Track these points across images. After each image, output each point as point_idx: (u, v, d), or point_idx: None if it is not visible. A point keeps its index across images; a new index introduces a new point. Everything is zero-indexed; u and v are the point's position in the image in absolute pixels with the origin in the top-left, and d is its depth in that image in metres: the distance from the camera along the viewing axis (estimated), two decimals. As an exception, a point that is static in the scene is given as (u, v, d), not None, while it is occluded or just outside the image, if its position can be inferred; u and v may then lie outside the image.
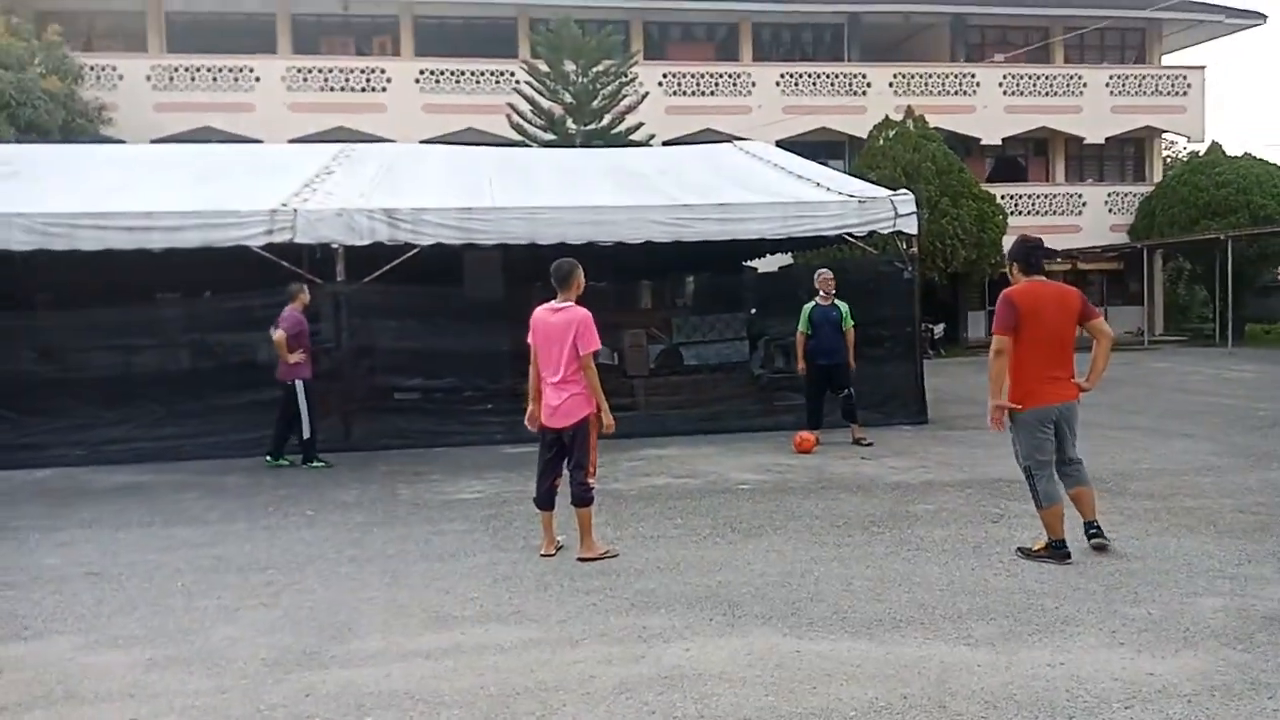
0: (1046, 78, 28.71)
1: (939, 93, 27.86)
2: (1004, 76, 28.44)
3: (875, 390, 11.46)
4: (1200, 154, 28.80)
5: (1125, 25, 30.14)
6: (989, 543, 5.98)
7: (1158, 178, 30.07)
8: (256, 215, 10.07)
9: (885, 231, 11.76)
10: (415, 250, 10.41)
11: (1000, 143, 28.78)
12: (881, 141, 24.19)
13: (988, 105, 28.11)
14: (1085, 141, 29.41)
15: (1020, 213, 27.77)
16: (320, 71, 25.68)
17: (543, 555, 5.91)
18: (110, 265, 10.05)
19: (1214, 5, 29.75)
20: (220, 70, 25.20)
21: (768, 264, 16.82)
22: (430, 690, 3.93)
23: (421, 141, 21.99)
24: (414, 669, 4.16)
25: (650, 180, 12.89)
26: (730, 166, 14.06)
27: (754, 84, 27.31)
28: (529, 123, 23.08)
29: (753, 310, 13.45)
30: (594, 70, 23.01)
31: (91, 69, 24.07)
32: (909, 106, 25.01)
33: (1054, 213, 28.71)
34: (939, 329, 23.70)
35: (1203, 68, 29.87)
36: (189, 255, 10.12)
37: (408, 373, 11.20)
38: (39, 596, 5.36)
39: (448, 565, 5.82)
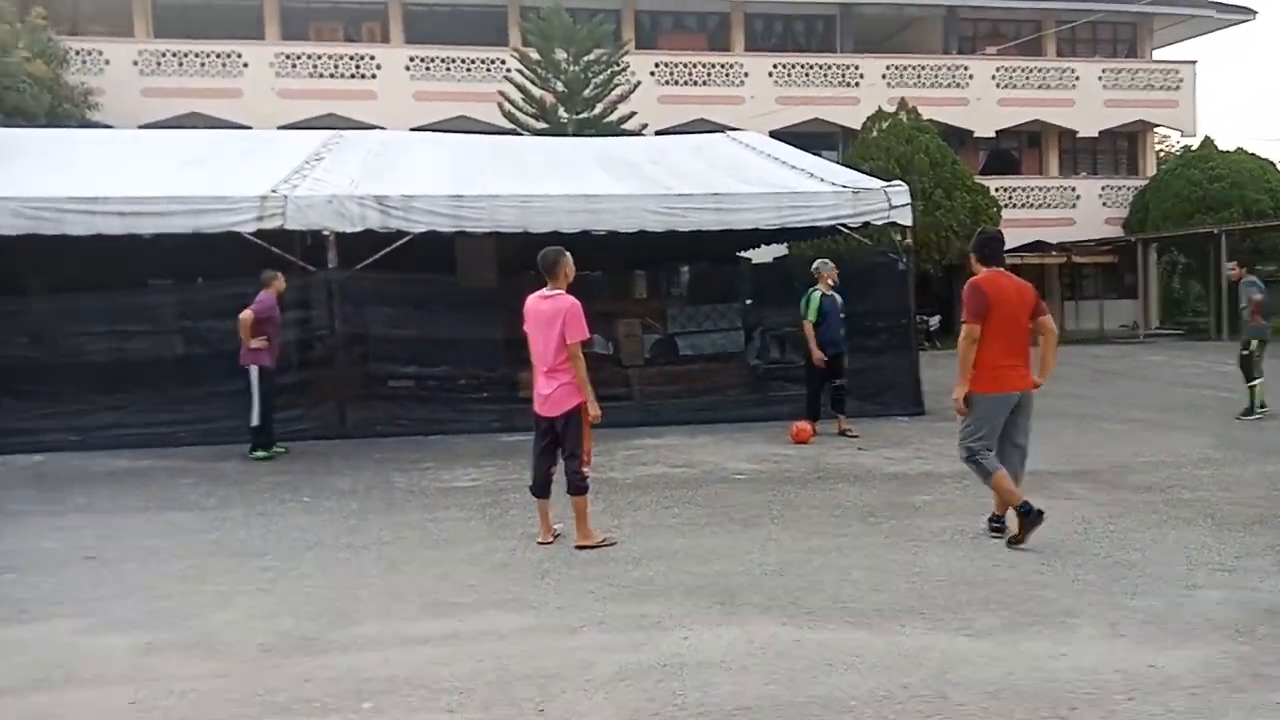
0: (1039, 70, 28.77)
1: (932, 85, 27.88)
2: (997, 69, 28.47)
3: (871, 381, 11.46)
4: (1193, 148, 28.89)
5: (1116, 19, 30.20)
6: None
7: (1151, 171, 30.18)
8: (247, 201, 10.00)
9: (879, 222, 11.74)
10: (407, 238, 10.36)
11: (994, 135, 28.84)
12: (875, 133, 24.19)
13: (981, 98, 28.14)
14: (1078, 135, 29.50)
15: (1014, 205, 27.84)
16: (309, 58, 25.50)
17: (540, 543, 5.89)
18: (102, 250, 9.97)
19: (1204, 0, 29.82)
20: (208, 55, 25.00)
21: (762, 254, 16.80)
22: (430, 676, 3.90)
23: (412, 129, 21.86)
24: (413, 655, 4.14)
25: (643, 169, 12.83)
26: (724, 156, 14.00)
27: (746, 74, 27.26)
28: (521, 111, 22.97)
29: (748, 301, 13.42)
30: (585, 59, 22.92)
31: (77, 53, 23.82)
32: (902, 98, 24.99)
33: (1048, 205, 28.79)
34: (934, 321, 23.73)
35: (1194, 62, 30.00)
36: (180, 241, 10.05)
37: (402, 360, 11.16)
38: (37, 580, 5.33)
39: (445, 552, 5.79)
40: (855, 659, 4.02)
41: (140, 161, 12.01)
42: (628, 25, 27.81)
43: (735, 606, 4.70)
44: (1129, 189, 29.06)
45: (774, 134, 21.54)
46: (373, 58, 25.83)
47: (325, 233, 10.24)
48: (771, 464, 8.63)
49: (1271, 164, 27.21)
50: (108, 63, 24.40)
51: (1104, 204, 29.11)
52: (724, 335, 12.89)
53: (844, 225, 11.98)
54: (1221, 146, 27.61)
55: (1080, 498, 7.00)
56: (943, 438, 9.86)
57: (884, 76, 27.59)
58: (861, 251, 13.04)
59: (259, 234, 9.98)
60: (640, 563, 5.48)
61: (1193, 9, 29.61)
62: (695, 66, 27.08)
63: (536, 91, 23.06)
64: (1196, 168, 26.68)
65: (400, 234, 10.35)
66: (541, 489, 5.98)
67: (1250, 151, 27.31)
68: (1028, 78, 28.58)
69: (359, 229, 10.22)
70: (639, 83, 24.32)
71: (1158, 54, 31.34)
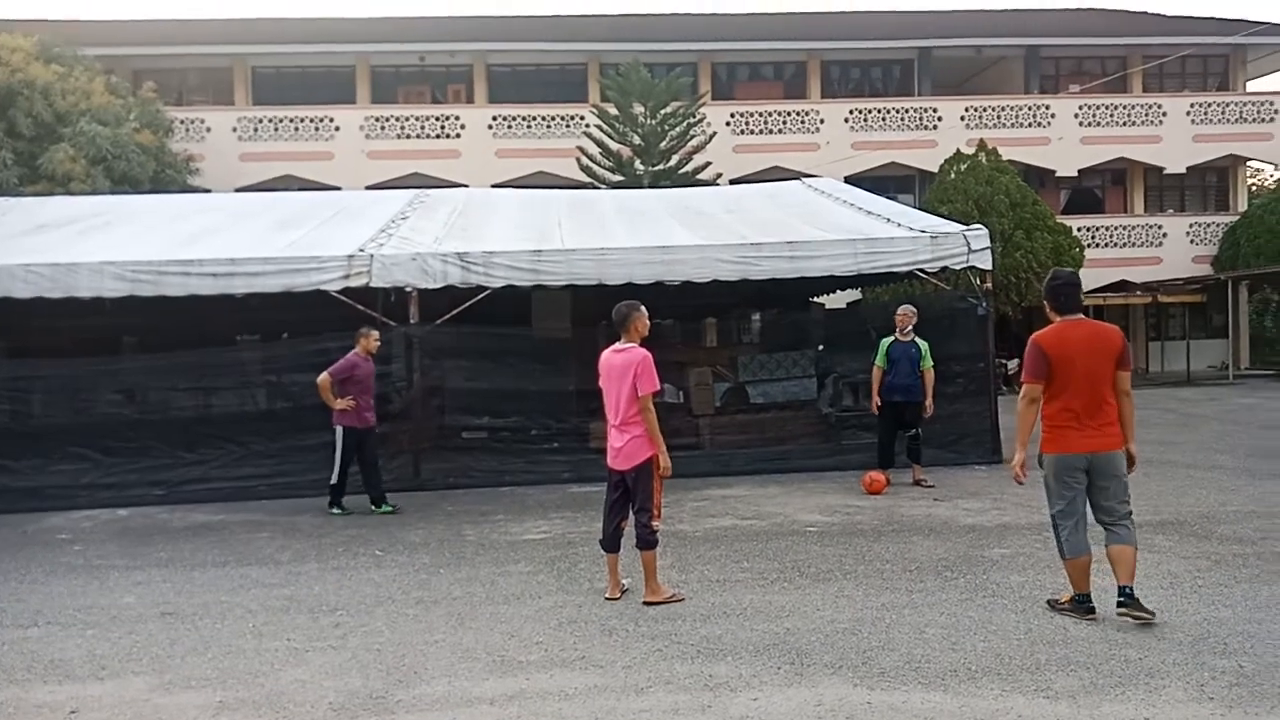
0: (1124, 107, 28.12)
1: (1012, 125, 27.49)
2: (1080, 107, 27.93)
3: (948, 429, 11.19)
4: (1288, 182, 27.86)
5: (1207, 52, 29.40)
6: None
7: (1243, 207, 29.10)
8: (335, 260, 10.33)
9: (958, 267, 11.54)
10: (486, 292, 10.57)
11: (1076, 174, 28.22)
12: (953, 175, 23.89)
13: (1063, 136, 27.61)
14: (1165, 171, 28.67)
15: (1098, 245, 27.16)
16: (397, 119, 26.47)
17: (608, 599, 5.88)
18: (190, 308, 10.37)
19: (1300, 29, 28.89)
20: (301, 120, 26.18)
21: (835, 300, 16.66)
22: (492, 736, 3.91)
23: (493, 185, 22.45)
24: (479, 715, 4.15)
25: (717, 219, 12.89)
26: (798, 203, 14.00)
27: (822, 120, 27.29)
28: (598, 165, 23.37)
29: (820, 347, 13.29)
30: (662, 112, 23.27)
31: (181, 122, 25.25)
32: (981, 139, 24.69)
33: (1133, 244, 27.96)
34: (1013, 364, 23.12)
35: (1289, 93, 29.00)
36: (266, 298, 10.42)
37: (476, 412, 11.30)
38: (116, 635, 5.49)
39: (513, 608, 5.82)
40: (925, 723, 3.90)
41: (235, 224, 12.57)
42: (704, 77, 28.21)
43: (805, 666, 4.62)
44: (1219, 225, 28.06)
45: (849, 179, 21.56)
46: (457, 118, 26.68)
47: (408, 289, 10.52)
48: (843, 515, 8.48)
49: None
50: (209, 130, 25.75)
51: (1192, 241, 28.14)
52: (796, 383, 12.74)
53: (922, 270, 11.83)
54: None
55: (1165, 550, 6.73)
56: (1020, 487, 9.53)
57: (962, 118, 27.32)
58: (939, 296, 12.83)
59: (344, 291, 10.29)
60: (708, 619, 5.43)
61: (1287, 38, 28.71)
62: (770, 115, 27.23)
63: (614, 145, 23.46)
64: (1291, 202, 25.67)
65: (480, 289, 10.58)
66: (612, 543, 5.99)
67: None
68: (1112, 115, 27.96)
69: (440, 285, 10.47)
70: (714, 133, 24.58)
71: (1252, 86, 30.38)
